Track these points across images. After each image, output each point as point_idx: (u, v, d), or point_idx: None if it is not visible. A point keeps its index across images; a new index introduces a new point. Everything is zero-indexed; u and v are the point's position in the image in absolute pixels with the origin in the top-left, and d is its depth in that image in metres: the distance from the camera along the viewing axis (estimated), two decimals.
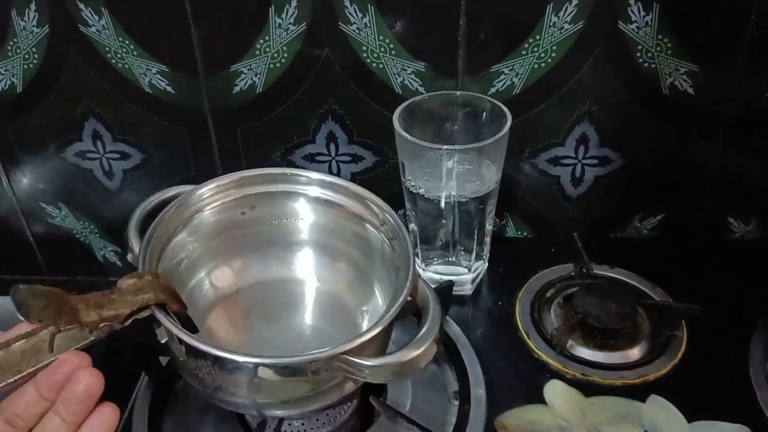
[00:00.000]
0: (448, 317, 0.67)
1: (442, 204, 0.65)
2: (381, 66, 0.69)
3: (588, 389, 0.60)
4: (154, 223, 0.52)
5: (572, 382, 0.61)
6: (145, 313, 0.45)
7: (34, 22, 0.69)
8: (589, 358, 0.63)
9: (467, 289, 0.71)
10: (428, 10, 0.66)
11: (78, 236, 0.87)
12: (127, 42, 0.69)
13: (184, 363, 0.48)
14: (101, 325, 0.43)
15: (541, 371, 0.62)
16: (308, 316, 0.61)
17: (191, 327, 0.49)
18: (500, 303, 0.70)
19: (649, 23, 0.65)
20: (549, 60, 0.67)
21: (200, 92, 0.72)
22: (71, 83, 0.73)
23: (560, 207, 0.78)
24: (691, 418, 0.57)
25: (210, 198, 0.57)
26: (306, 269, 0.62)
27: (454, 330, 0.66)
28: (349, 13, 0.66)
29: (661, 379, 0.61)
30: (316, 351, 0.44)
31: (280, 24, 0.67)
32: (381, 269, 0.58)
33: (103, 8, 0.67)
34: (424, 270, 0.72)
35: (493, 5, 0.65)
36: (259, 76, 0.71)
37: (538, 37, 0.66)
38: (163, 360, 0.62)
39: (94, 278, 0.88)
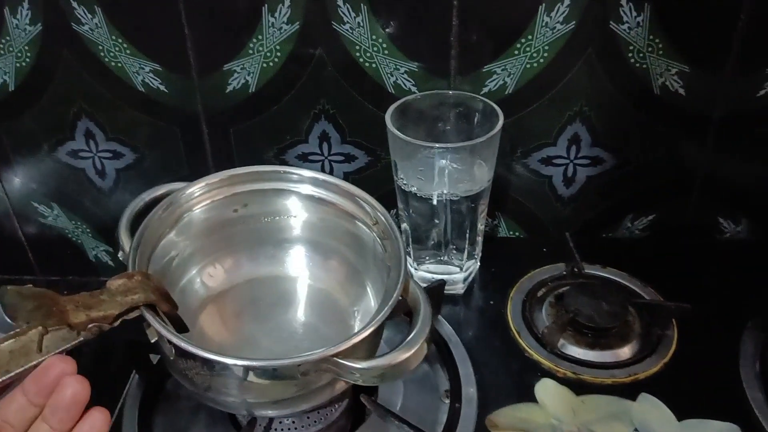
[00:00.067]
0: (440, 316, 0.67)
1: (434, 203, 0.65)
2: (374, 66, 0.69)
3: (579, 388, 0.60)
4: (145, 222, 0.52)
5: (563, 381, 0.61)
6: (134, 314, 0.45)
7: (27, 20, 0.69)
8: (580, 357, 0.63)
9: (459, 289, 0.72)
10: (421, 11, 0.66)
11: (70, 236, 0.87)
12: (120, 41, 0.69)
13: (173, 363, 0.48)
14: (90, 325, 0.43)
15: (532, 370, 0.62)
16: (300, 314, 0.61)
17: (181, 327, 0.49)
18: (492, 302, 0.70)
19: (641, 24, 0.65)
20: (541, 60, 0.68)
21: (193, 91, 0.72)
22: (64, 82, 0.73)
23: (552, 207, 0.79)
24: (681, 416, 0.57)
25: (201, 196, 0.57)
26: (298, 267, 0.62)
27: (446, 329, 0.66)
28: (342, 13, 0.66)
29: (652, 378, 0.61)
30: (305, 354, 0.44)
31: (273, 23, 0.67)
32: (373, 268, 0.58)
33: (96, 6, 0.67)
34: (416, 269, 0.72)
35: (486, 6, 0.65)
36: (252, 75, 0.71)
37: (530, 37, 0.66)
38: (154, 358, 0.62)
39: (86, 278, 0.88)
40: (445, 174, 0.63)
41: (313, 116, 0.73)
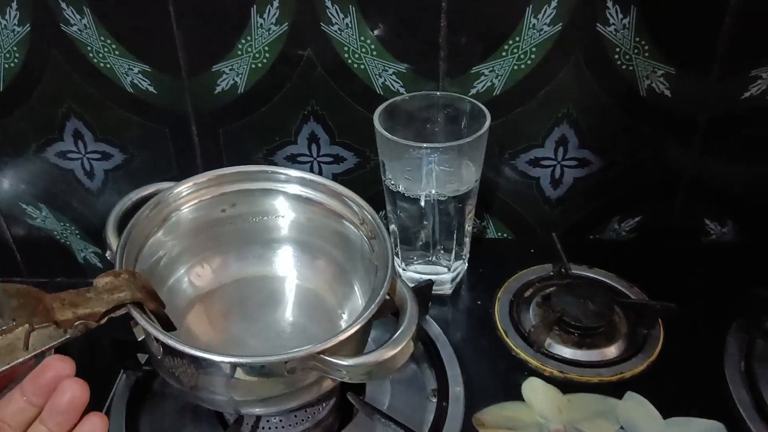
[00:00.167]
0: (427, 316, 0.67)
1: (422, 203, 0.65)
2: (362, 67, 0.69)
3: (565, 386, 0.61)
4: (132, 221, 0.53)
5: (550, 380, 0.61)
6: (121, 312, 0.45)
7: (16, 21, 0.69)
8: (566, 356, 0.63)
9: (447, 289, 0.72)
10: (409, 12, 0.66)
11: (58, 237, 0.86)
12: (108, 41, 0.69)
13: (160, 361, 0.48)
14: (76, 323, 0.43)
15: (519, 369, 0.63)
16: (288, 313, 0.61)
17: (169, 325, 0.49)
18: (479, 302, 0.71)
19: (627, 26, 0.65)
20: (528, 62, 0.68)
21: (182, 92, 0.72)
22: (52, 83, 0.73)
23: (540, 208, 0.79)
24: (666, 414, 0.58)
25: (188, 196, 0.57)
26: (286, 267, 0.62)
27: (434, 329, 0.66)
28: (331, 14, 0.66)
29: (638, 377, 0.61)
30: (291, 351, 0.44)
31: (261, 24, 0.67)
32: (361, 268, 0.58)
33: (85, 7, 0.67)
34: (404, 270, 0.72)
35: (474, 7, 0.65)
36: (240, 76, 0.71)
37: (517, 38, 0.67)
38: (142, 357, 0.61)
39: (74, 280, 0.87)
40: (433, 174, 0.64)
41: (302, 117, 0.73)
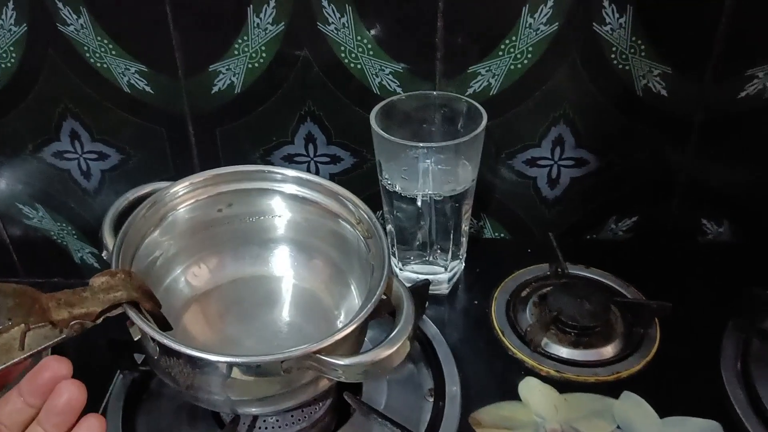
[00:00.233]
0: (424, 316, 0.67)
1: (419, 203, 0.65)
2: (359, 66, 0.69)
3: (562, 386, 0.61)
4: (128, 221, 0.52)
5: (547, 379, 0.61)
6: (117, 311, 0.45)
7: (12, 21, 0.69)
8: (563, 356, 0.63)
9: (444, 289, 0.72)
10: (406, 12, 0.66)
11: (55, 238, 0.86)
12: (105, 41, 0.69)
13: (157, 361, 0.48)
14: (72, 323, 0.43)
15: (516, 368, 0.63)
16: (285, 313, 0.61)
17: (165, 325, 0.49)
18: (476, 302, 0.71)
19: (623, 25, 0.66)
20: (525, 61, 0.68)
21: (179, 92, 0.72)
22: (49, 82, 0.73)
23: (537, 209, 0.79)
24: (663, 414, 0.58)
25: (185, 195, 0.57)
26: (282, 267, 0.62)
27: (431, 329, 0.66)
28: (327, 14, 0.66)
29: (634, 376, 0.62)
30: (287, 350, 0.44)
31: (258, 24, 0.67)
32: (357, 267, 0.58)
33: (81, 7, 0.67)
34: (401, 270, 0.72)
35: (470, 7, 0.66)
36: (237, 76, 0.71)
37: (514, 38, 0.67)
38: (139, 358, 0.61)
39: (71, 281, 0.87)
40: (430, 174, 0.64)
41: (299, 117, 0.73)
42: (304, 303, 0.61)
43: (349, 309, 0.58)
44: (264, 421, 0.56)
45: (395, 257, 0.72)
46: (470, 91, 0.70)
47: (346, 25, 0.67)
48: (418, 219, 0.67)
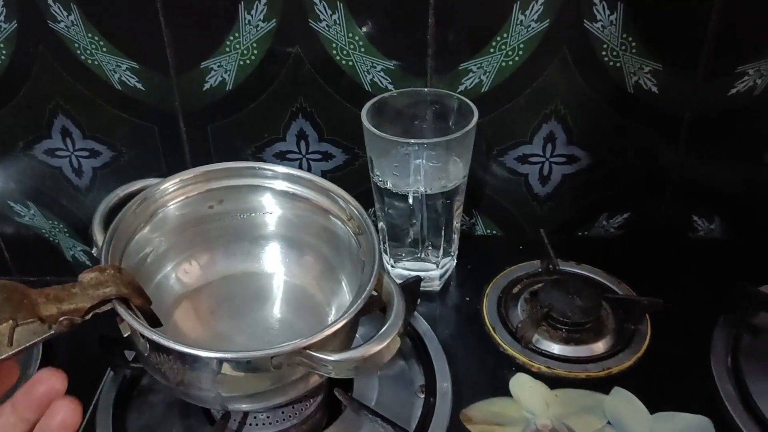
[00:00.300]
0: (416, 313, 0.67)
1: (410, 200, 0.65)
2: (351, 64, 0.69)
3: (553, 382, 0.61)
4: (118, 217, 0.52)
5: (538, 376, 0.62)
6: (106, 307, 0.45)
7: (2, 18, 0.69)
8: (554, 352, 0.64)
9: (435, 285, 0.72)
10: (397, 9, 0.66)
11: (47, 236, 0.86)
12: (96, 38, 0.69)
13: (147, 358, 0.48)
14: (61, 318, 0.43)
15: (507, 365, 0.63)
16: (276, 310, 0.61)
17: (155, 322, 0.49)
18: (468, 299, 0.71)
19: (614, 22, 0.66)
20: (516, 58, 0.68)
21: (170, 89, 0.72)
22: (40, 80, 0.72)
23: (528, 206, 0.79)
24: (653, 409, 0.58)
25: (175, 192, 0.57)
26: (274, 263, 0.62)
27: (422, 325, 0.66)
28: (319, 11, 0.66)
29: (625, 372, 0.62)
30: (277, 346, 0.44)
31: (249, 21, 0.67)
32: (348, 263, 0.58)
33: (72, 4, 0.67)
34: (393, 267, 0.72)
35: (462, 4, 0.66)
36: (229, 73, 0.71)
37: (505, 35, 0.67)
38: (129, 354, 0.61)
39: (63, 278, 0.86)
40: (421, 171, 0.64)
41: (291, 114, 0.73)
42: (295, 299, 0.61)
43: (340, 305, 0.58)
44: (255, 417, 0.56)
45: (387, 254, 0.72)
46: (462, 88, 0.70)
47: (338, 22, 0.67)
48: (410, 216, 0.67)
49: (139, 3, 0.67)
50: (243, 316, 0.60)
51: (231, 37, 0.68)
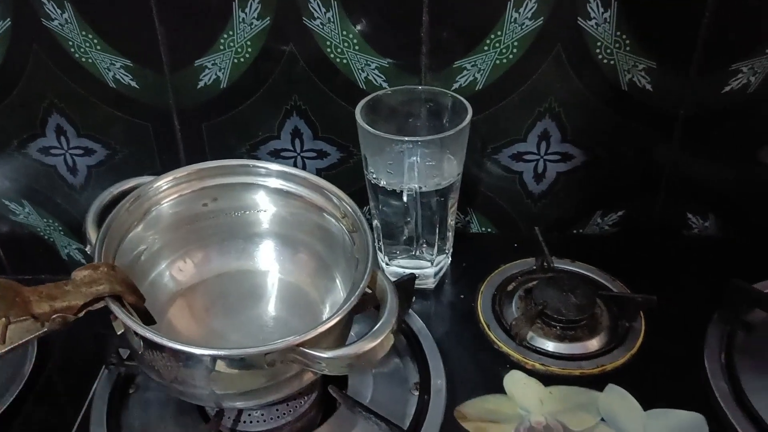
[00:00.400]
0: (410, 310, 0.67)
1: (405, 197, 0.65)
2: (345, 61, 0.69)
3: (547, 379, 0.61)
4: (112, 215, 0.52)
5: (532, 373, 0.62)
6: (99, 305, 0.45)
7: None
8: (548, 349, 0.64)
9: (430, 283, 0.72)
10: (391, 7, 0.66)
11: (42, 234, 0.86)
12: (90, 36, 0.69)
13: (141, 355, 0.48)
14: (54, 316, 0.43)
15: (501, 362, 0.63)
16: (270, 308, 0.61)
17: (149, 319, 0.49)
18: (462, 296, 0.71)
19: (608, 20, 0.66)
20: (510, 56, 0.68)
21: (165, 87, 0.72)
22: (34, 78, 0.72)
23: (523, 203, 0.79)
24: (647, 406, 0.58)
25: (168, 190, 0.57)
26: (268, 261, 0.62)
27: (416, 323, 0.66)
28: (313, 8, 0.66)
29: (619, 369, 0.62)
30: (271, 342, 0.44)
31: (243, 18, 0.67)
32: (342, 261, 0.58)
33: (66, 2, 0.67)
34: (388, 264, 0.72)
35: (456, 2, 0.66)
36: (223, 71, 0.71)
37: (499, 33, 0.67)
38: (124, 352, 0.61)
39: (58, 277, 0.86)
40: (415, 168, 0.64)
41: (285, 112, 0.73)
42: (290, 297, 0.61)
43: (334, 303, 0.58)
44: (249, 415, 0.56)
45: (382, 252, 0.72)
46: (456, 85, 0.70)
47: (332, 20, 0.67)
48: (404, 213, 0.67)
49: (132, 1, 0.67)
50: (237, 314, 0.60)
51: (225, 35, 0.68)
